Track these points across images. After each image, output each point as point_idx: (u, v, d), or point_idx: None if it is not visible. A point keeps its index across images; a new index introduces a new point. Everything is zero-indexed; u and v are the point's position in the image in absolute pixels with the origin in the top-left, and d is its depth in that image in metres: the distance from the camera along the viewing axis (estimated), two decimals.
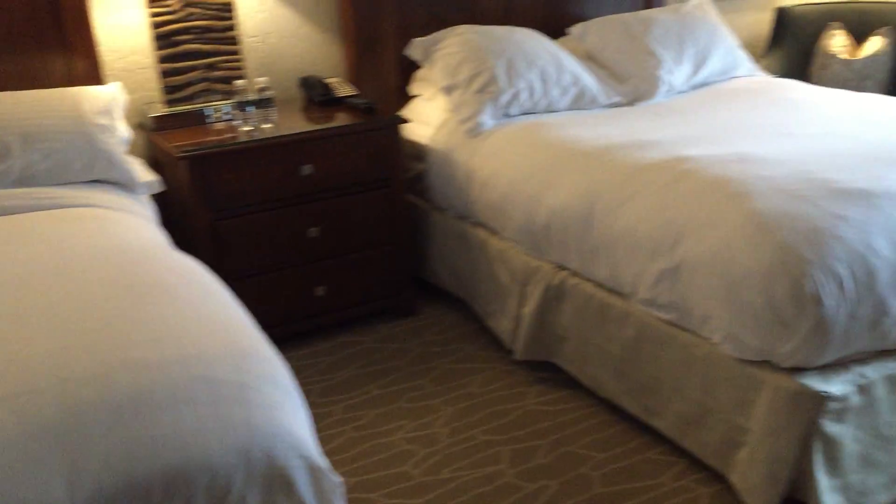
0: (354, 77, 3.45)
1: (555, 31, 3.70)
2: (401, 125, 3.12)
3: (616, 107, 3.29)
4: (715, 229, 2.15)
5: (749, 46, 4.54)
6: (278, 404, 1.46)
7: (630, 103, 3.32)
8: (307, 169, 2.94)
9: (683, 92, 3.43)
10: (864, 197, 2.12)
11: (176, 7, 3.04)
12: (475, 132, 3.07)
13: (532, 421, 2.59)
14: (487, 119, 3.08)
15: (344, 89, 3.31)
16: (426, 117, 3.36)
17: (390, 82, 3.54)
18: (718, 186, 2.25)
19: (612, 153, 2.62)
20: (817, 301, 1.94)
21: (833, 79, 4.09)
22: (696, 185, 2.30)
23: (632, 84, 3.34)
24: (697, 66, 3.44)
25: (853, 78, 4.08)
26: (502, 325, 2.95)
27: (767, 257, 2.01)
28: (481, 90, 3.11)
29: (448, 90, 3.18)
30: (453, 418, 2.62)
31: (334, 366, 2.98)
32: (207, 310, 1.68)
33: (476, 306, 3.16)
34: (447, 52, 3.24)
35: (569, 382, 2.75)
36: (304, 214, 2.99)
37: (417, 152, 3.35)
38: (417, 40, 3.31)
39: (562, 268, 2.69)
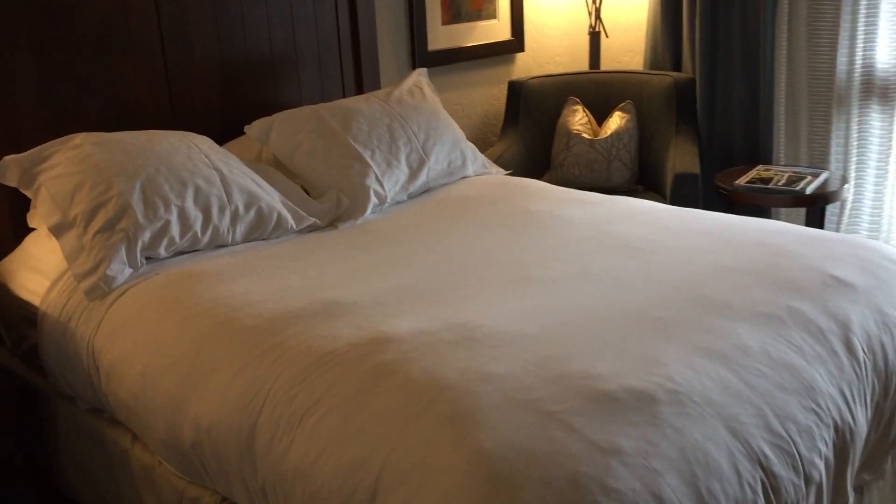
0: None
1: (240, 129, 2.84)
2: None
3: (313, 231, 2.45)
4: (427, 480, 1.34)
5: (483, 127, 3.93)
6: None
7: (331, 224, 2.49)
8: None
9: (400, 203, 2.66)
10: (639, 405, 1.40)
11: None
12: (101, 291, 2.10)
13: None
14: (120, 270, 2.12)
15: None
16: (42, 263, 2.33)
17: None
18: (429, 400, 1.44)
19: (283, 330, 1.76)
20: None
21: (578, 161, 3.56)
22: (396, 397, 1.48)
23: (332, 199, 2.52)
24: (416, 169, 2.69)
25: (599, 159, 3.57)
26: None
27: None
28: (108, 228, 2.14)
29: (59, 230, 2.18)
30: None
31: None
32: None
33: None
34: (57, 175, 2.24)
35: None
36: None
37: (30, 315, 2.31)
38: (10, 159, 2.28)
39: (231, 501, 1.78)
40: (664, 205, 2.46)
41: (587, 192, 2.64)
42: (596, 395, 1.41)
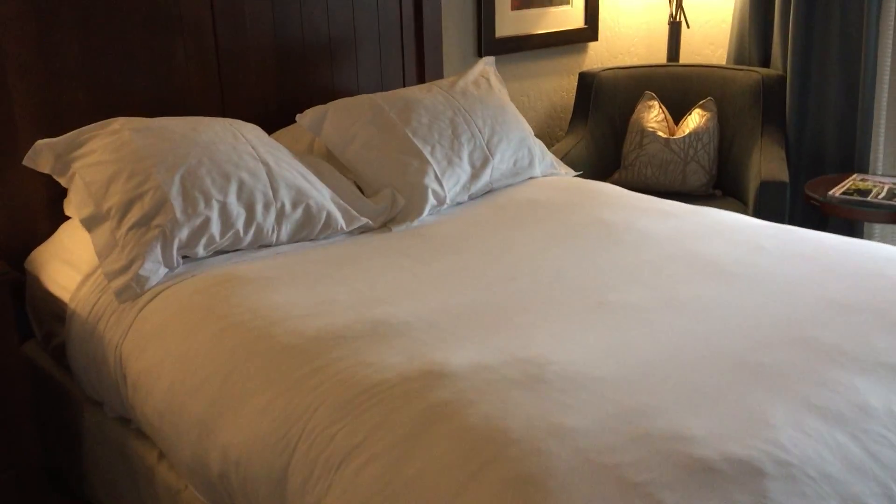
0: None
1: (292, 117, 2.64)
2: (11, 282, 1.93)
3: (365, 232, 2.25)
4: None
5: (550, 121, 3.69)
6: None
7: (384, 226, 2.29)
8: None
9: (461, 204, 2.44)
10: (742, 479, 1.16)
11: None
12: (132, 292, 1.93)
13: None
14: (154, 269, 1.95)
15: None
16: (74, 255, 2.17)
17: (33, 194, 2.34)
18: (490, 457, 1.23)
19: (325, 353, 1.56)
20: None
21: (652, 161, 3.29)
22: (451, 449, 1.27)
23: (387, 198, 2.31)
24: (479, 168, 2.46)
25: (675, 160, 3.30)
26: None
27: None
28: (143, 223, 1.97)
29: (92, 223, 2.02)
30: None
31: None
32: None
33: None
34: (92, 162, 2.07)
35: None
36: None
37: (60, 311, 2.15)
38: (44, 143, 2.12)
39: None
40: (756, 220, 2.20)
41: (667, 201, 2.39)
42: (690, 463, 1.18)
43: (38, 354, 2.32)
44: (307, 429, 1.43)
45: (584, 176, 2.92)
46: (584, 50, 3.74)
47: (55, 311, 2.18)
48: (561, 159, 3.03)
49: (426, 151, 2.38)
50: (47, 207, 2.37)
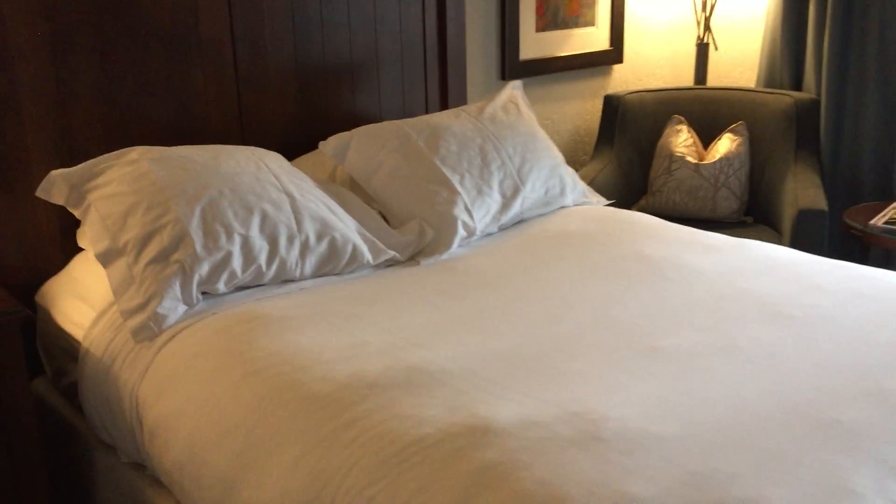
0: None
1: (313, 142, 2.54)
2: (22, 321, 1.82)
3: (391, 266, 2.14)
4: None
5: (574, 145, 3.59)
6: None
7: (412, 258, 2.18)
8: None
9: (490, 235, 2.33)
10: None
11: None
12: (150, 332, 1.82)
13: None
14: (173, 307, 1.84)
15: None
16: (88, 290, 2.07)
17: (45, 224, 2.24)
18: None
19: (358, 403, 1.45)
20: None
21: (680, 187, 3.19)
22: None
23: (414, 229, 2.21)
24: (509, 198, 2.35)
25: (705, 186, 3.19)
26: None
27: None
28: (162, 259, 1.86)
29: (107, 257, 1.92)
30: None
31: None
32: None
33: None
34: (109, 194, 1.97)
35: None
36: None
37: (72, 348, 2.05)
38: (58, 174, 2.02)
39: None
40: (807, 255, 2.09)
41: (709, 233, 2.27)
42: None
43: (47, 392, 2.21)
44: (342, 489, 1.31)
45: (606, 197, 2.82)
46: (608, 72, 3.65)
47: (67, 348, 2.07)
48: (587, 184, 2.93)
49: (455, 180, 2.28)
50: (60, 237, 2.27)
